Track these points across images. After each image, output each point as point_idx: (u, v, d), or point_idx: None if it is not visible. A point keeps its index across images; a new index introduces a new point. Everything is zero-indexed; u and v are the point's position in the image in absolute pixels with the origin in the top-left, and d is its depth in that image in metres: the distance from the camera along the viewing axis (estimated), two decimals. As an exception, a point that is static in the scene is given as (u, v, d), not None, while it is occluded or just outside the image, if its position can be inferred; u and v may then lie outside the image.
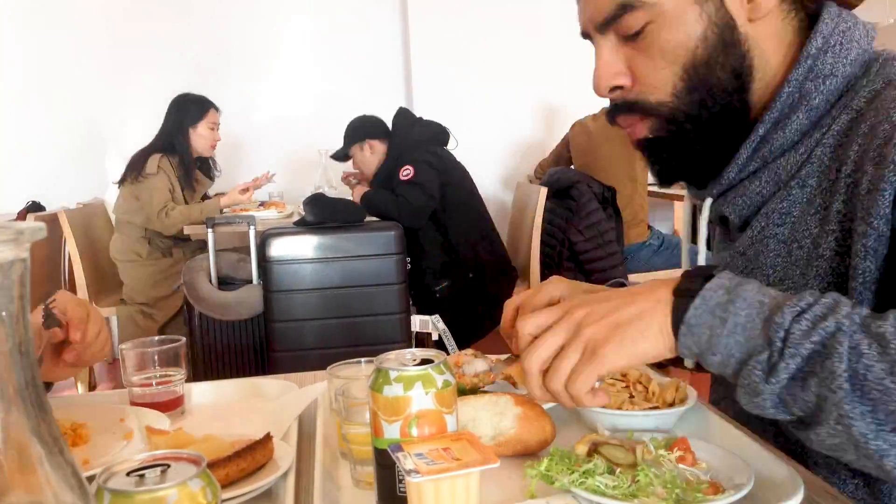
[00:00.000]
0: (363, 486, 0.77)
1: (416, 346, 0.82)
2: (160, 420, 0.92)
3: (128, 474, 0.53)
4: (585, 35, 0.83)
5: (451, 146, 3.27)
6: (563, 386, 0.66)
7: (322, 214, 2.49)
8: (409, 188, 3.02)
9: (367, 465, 0.74)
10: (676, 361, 0.97)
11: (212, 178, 3.55)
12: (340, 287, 2.41)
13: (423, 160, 3.09)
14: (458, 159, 3.26)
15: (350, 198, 3.14)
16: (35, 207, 3.66)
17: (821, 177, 0.75)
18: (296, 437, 0.87)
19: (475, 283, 3.01)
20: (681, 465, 0.73)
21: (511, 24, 4.27)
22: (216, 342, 2.72)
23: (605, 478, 0.69)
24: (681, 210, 4.57)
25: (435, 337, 1.19)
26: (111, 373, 3.59)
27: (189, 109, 3.34)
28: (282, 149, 4.21)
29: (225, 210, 3.35)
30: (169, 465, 0.54)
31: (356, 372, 0.88)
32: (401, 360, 0.69)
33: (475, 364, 1.05)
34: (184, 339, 1.06)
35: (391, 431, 0.67)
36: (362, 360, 0.90)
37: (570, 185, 3.32)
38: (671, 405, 0.87)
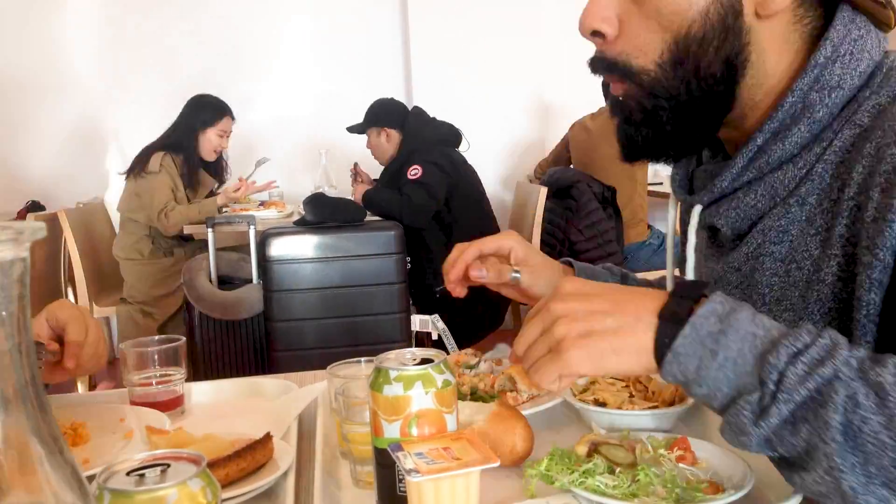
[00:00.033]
0: (363, 486, 0.77)
1: (416, 346, 0.82)
2: (160, 420, 0.92)
3: (128, 474, 0.53)
4: None
5: (462, 148, 3.27)
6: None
7: (322, 214, 2.49)
8: (414, 188, 3.02)
9: (367, 465, 0.74)
10: None
11: (222, 180, 3.54)
12: (340, 287, 2.41)
13: (432, 161, 3.08)
14: (468, 162, 3.26)
15: (350, 197, 3.14)
16: (35, 207, 3.66)
17: (821, 195, 0.72)
18: (296, 436, 0.87)
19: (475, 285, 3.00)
20: (681, 465, 0.73)
21: (511, 24, 4.27)
22: (216, 342, 2.72)
23: (605, 478, 0.69)
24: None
25: (435, 337, 1.19)
26: (111, 373, 3.59)
27: (204, 111, 3.34)
28: (282, 149, 4.21)
29: (225, 210, 3.35)
30: (169, 465, 0.54)
31: (356, 372, 0.88)
32: (401, 360, 0.69)
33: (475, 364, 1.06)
34: (184, 338, 1.06)
35: (391, 431, 0.67)
36: (362, 359, 0.90)
37: (570, 185, 3.32)
38: (671, 405, 0.87)
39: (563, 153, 3.92)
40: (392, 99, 3.41)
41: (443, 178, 3.08)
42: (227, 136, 3.43)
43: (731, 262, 0.80)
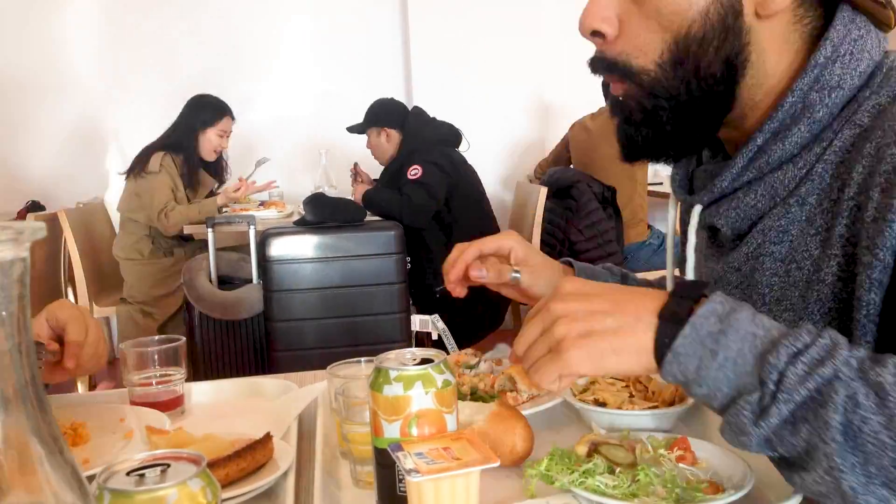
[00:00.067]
0: (363, 486, 0.77)
1: (416, 346, 0.82)
2: (160, 420, 0.92)
3: (128, 474, 0.53)
4: None
5: (462, 148, 3.27)
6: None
7: (322, 214, 2.49)
8: (414, 188, 3.02)
9: (367, 465, 0.74)
10: None
11: (222, 180, 3.55)
12: (340, 287, 2.41)
13: (432, 161, 3.08)
14: (468, 162, 3.26)
15: (350, 198, 3.14)
16: (35, 207, 3.66)
17: (821, 195, 0.72)
18: (296, 436, 0.87)
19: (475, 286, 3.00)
20: (681, 465, 0.73)
21: (511, 24, 4.27)
22: (216, 342, 2.72)
23: (605, 478, 0.69)
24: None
25: (435, 337, 1.19)
26: (111, 373, 3.59)
27: (204, 111, 3.34)
28: (282, 149, 4.21)
29: (225, 209, 3.35)
30: (169, 465, 0.54)
31: (356, 372, 0.89)
32: (401, 360, 0.69)
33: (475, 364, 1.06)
34: (184, 338, 1.06)
35: (391, 431, 0.67)
36: (362, 359, 0.90)
37: (570, 185, 3.32)
38: (671, 404, 0.88)
39: (563, 153, 3.92)
40: (392, 99, 3.41)
41: (443, 178, 3.07)
42: (227, 137, 3.44)
43: (731, 262, 0.80)
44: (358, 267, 2.42)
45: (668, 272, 0.96)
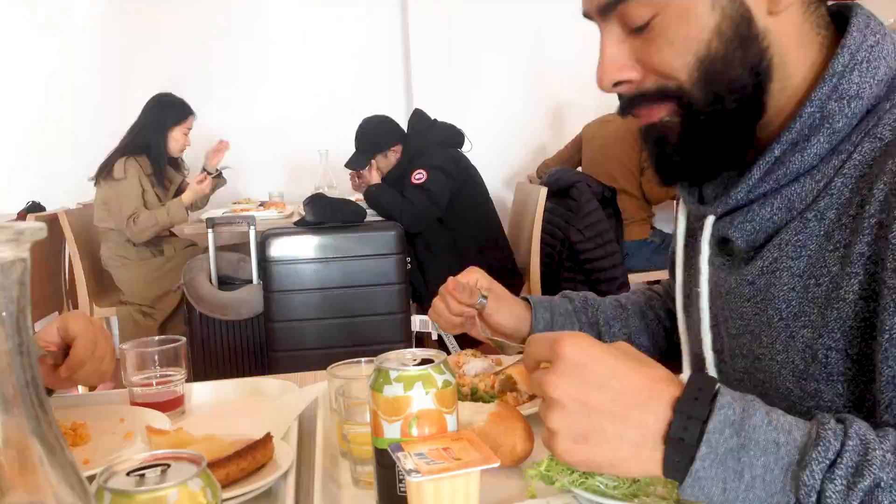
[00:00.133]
0: (363, 486, 0.77)
1: (416, 346, 0.82)
2: (160, 420, 0.93)
3: (128, 474, 0.53)
4: (587, 15, 0.78)
5: (465, 148, 3.26)
6: None
7: (322, 214, 2.49)
8: (417, 192, 3.01)
9: (367, 465, 0.74)
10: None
11: (182, 173, 3.49)
12: (340, 287, 2.41)
13: (437, 166, 3.05)
14: (472, 163, 3.25)
15: (351, 198, 3.13)
16: (35, 207, 3.65)
17: (840, 210, 0.70)
18: (296, 437, 0.87)
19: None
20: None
21: (511, 24, 4.27)
22: (216, 342, 2.72)
23: (606, 478, 0.69)
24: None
25: (434, 337, 1.19)
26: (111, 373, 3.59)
27: (171, 112, 3.30)
28: (282, 149, 4.21)
29: (217, 210, 3.35)
30: (169, 465, 0.54)
31: (356, 372, 0.89)
32: (401, 360, 0.69)
33: (475, 364, 1.06)
34: (184, 338, 1.06)
35: (391, 431, 0.67)
36: (362, 360, 0.90)
37: (570, 185, 3.32)
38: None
39: (574, 155, 3.91)
40: (375, 116, 3.34)
41: (447, 184, 3.06)
42: (189, 134, 3.38)
43: (745, 276, 0.78)
44: (358, 267, 2.42)
45: (678, 288, 0.92)
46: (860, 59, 0.70)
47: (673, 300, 0.96)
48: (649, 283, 2.81)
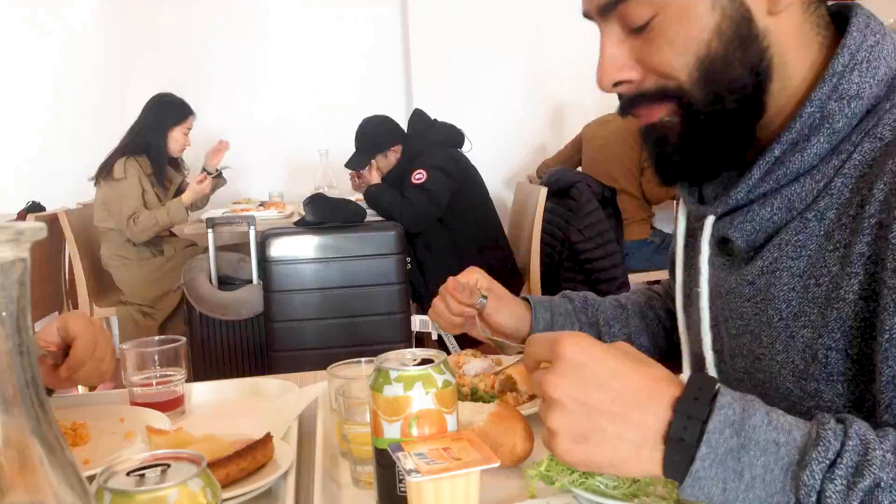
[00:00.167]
0: (363, 486, 0.77)
1: (416, 346, 0.82)
2: (160, 420, 0.93)
3: (128, 474, 0.53)
4: (587, 15, 0.78)
5: (465, 148, 3.26)
6: None
7: (322, 214, 2.49)
8: (417, 192, 3.01)
9: (367, 465, 0.74)
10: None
11: (183, 174, 3.50)
12: (340, 287, 2.41)
13: (437, 166, 3.05)
14: (472, 163, 3.25)
15: (351, 198, 3.13)
16: (35, 207, 3.65)
17: (840, 210, 0.70)
18: (296, 437, 0.87)
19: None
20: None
21: (511, 24, 4.27)
22: (216, 342, 2.72)
23: (606, 478, 0.69)
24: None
25: (434, 337, 1.19)
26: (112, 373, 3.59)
27: (171, 111, 3.31)
28: (282, 149, 4.21)
29: (217, 210, 3.35)
30: (169, 465, 0.54)
31: (356, 372, 0.89)
32: (401, 360, 0.69)
33: (475, 364, 1.06)
34: (184, 338, 1.06)
35: (391, 431, 0.67)
36: (362, 360, 0.90)
37: (570, 185, 3.32)
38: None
39: (574, 155, 3.91)
40: (375, 116, 3.34)
41: (447, 184, 3.06)
42: (188, 134, 3.39)
43: (745, 276, 0.78)
44: (358, 267, 2.42)
45: (678, 287, 0.91)
46: (860, 59, 0.70)
47: (673, 300, 0.96)
48: (649, 283, 2.81)
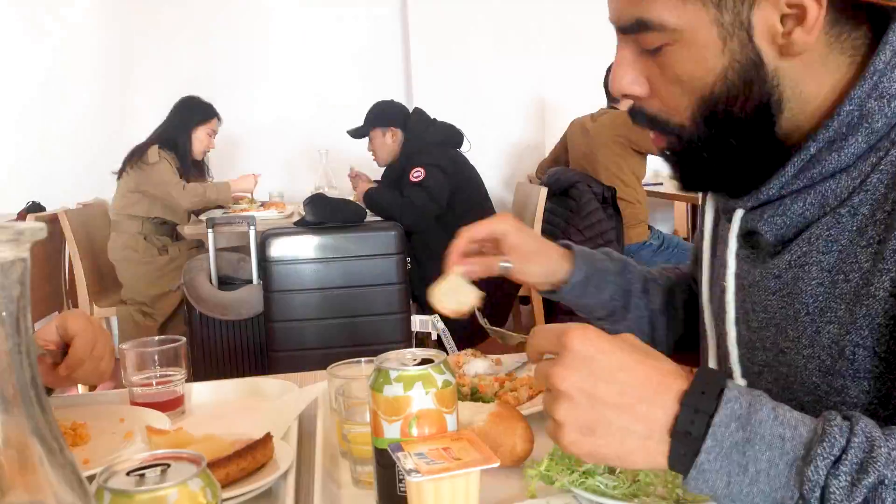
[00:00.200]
0: (363, 486, 0.77)
1: (416, 346, 0.82)
2: (160, 420, 0.93)
3: (128, 474, 0.53)
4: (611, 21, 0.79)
5: (463, 148, 3.27)
6: None
7: (322, 214, 2.49)
8: (416, 190, 3.02)
9: (367, 465, 0.74)
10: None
11: (206, 179, 3.63)
12: (340, 287, 2.41)
13: (435, 164, 3.07)
14: (471, 163, 3.26)
15: (350, 198, 3.14)
16: (35, 207, 3.65)
17: (875, 206, 0.69)
18: (296, 437, 0.87)
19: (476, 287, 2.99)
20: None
21: (511, 24, 4.27)
22: (216, 342, 2.72)
23: (605, 478, 0.69)
24: (681, 210, 4.57)
25: (434, 337, 1.19)
26: (111, 373, 3.59)
27: (196, 111, 3.45)
28: (282, 149, 4.21)
29: (227, 209, 3.36)
30: (169, 465, 0.54)
31: (356, 372, 0.89)
32: (401, 360, 0.69)
33: (475, 364, 1.06)
34: (184, 338, 1.06)
35: (391, 431, 0.67)
36: (362, 360, 0.90)
37: (570, 185, 3.32)
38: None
39: (562, 153, 3.92)
40: (391, 100, 3.42)
41: (445, 181, 3.07)
42: (213, 136, 3.55)
43: (771, 269, 0.77)
44: (358, 267, 2.41)
45: (704, 279, 0.91)
46: None
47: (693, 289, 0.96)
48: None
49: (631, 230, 3.56)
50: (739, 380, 0.81)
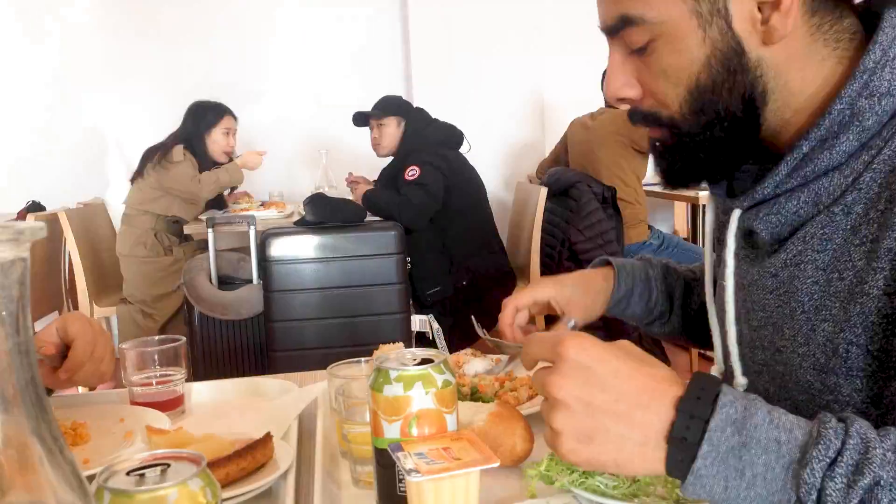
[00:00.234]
0: (363, 486, 0.77)
1: (416, 346, 0.82)
2: (160, 419, 0.93)
3: (128, 473, 0.53)
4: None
5: (463, 149, 3.27)
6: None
7: (322, 214, 2.49)
8: (413, 188, 3.03)
9: (367, 465, 0.74)
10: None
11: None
12: (340, 287, 2.41)
13: (429, 162, 3.08)
14: (470, 164, 3.26)
15: (350, 198, 3.14)
16: (35, 207, 3.66)
17: (868, 205, 0.69)
18: (296, 436, 0.87)
19: (467, 292, 3.01)
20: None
21: (511, 24, 4.27)
22: (216, 342, 2.72)
23: (605, 478, 0.69)
24: (681, 210, 4.57)
25: (432, 337, 1.20)
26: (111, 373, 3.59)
27: (205, 115, 3.43)
28: (282, 149, 4.21)
29: (231, 205, 3.36)
30: (169, 465, 0.54)
31: (356, 372, 0.89)
32: (401, 360, 0.69)
33: (475, 364, 1.06)
34: (184, 338, 1.06)
35: (391, 431, 0.67)
36: (362, 359, 0.90)
37: (570, 185, 3.32)
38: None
39: (562, 153, 3.92)
40: (400, 96, 3.44)
41: (441, 178, 3.08)
42: (233, 134, 3.52)
43: (768, 268, 0.78)
44: (358, 267, 2.41)
45: (707, 278, 0.93)
46: (892, 56, 0.69)
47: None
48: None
49: (631, 230, 3.56)
50: (741, 379, 0.81)
